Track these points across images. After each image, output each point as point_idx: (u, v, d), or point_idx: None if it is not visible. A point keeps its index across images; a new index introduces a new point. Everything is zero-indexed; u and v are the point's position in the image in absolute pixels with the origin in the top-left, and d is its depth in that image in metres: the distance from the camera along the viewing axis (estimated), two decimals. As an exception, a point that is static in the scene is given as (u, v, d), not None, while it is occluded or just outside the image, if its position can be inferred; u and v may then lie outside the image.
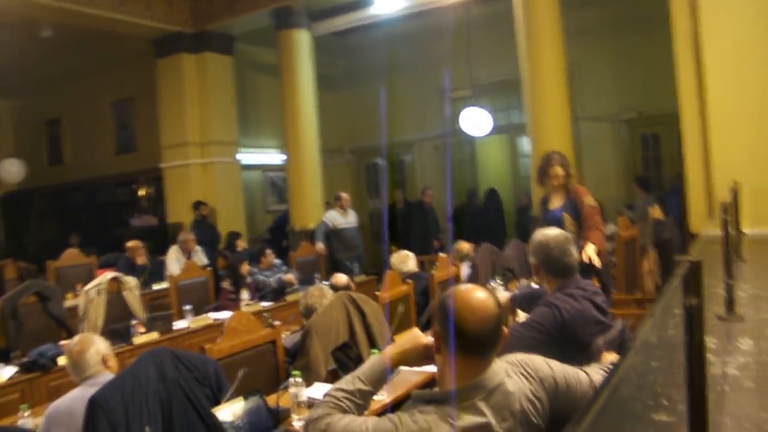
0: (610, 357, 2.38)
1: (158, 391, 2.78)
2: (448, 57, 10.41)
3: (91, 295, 5.44)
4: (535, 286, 4.56)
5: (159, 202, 11.49)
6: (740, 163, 5.53)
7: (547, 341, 2.61)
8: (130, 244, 7.69)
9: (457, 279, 5.90)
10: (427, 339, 1.88)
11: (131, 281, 5.89)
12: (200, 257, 7.99)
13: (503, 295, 3.96)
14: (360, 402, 1.85)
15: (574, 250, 2.89)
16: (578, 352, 2.56)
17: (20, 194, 13.95)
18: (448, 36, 10.41)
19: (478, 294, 1.77)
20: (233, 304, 6.44)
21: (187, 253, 7.84)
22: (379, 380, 1.90)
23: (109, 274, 5.82)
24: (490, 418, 1.69)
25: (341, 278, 5.17)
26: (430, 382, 3.18)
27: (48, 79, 12.84)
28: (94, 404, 2.57)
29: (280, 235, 10.19)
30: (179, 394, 2.83)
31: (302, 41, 9.74)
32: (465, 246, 6.67)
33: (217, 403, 2.78)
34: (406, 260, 5.75)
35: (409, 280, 5.23)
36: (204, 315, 5.96)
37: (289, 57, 9.70)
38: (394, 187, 12.22)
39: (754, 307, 2.92)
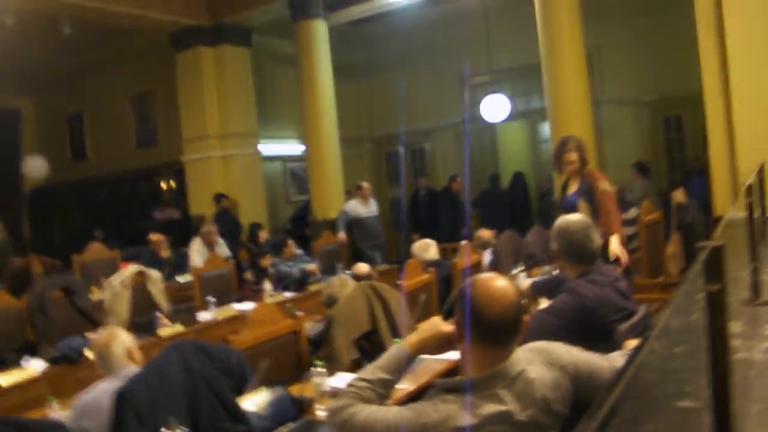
0: (633, 343, 2.36)
1: (183, 382, 2.81)
2: (466, 43, 10.37)
3: (116, 288, 5.50)
4: (557, 272, 4.54)
5: (181, 195, 11.56)
6: (765, 144, 5.45)
7: (569, 328, 2.59)
8: (154, 237, 7.76)
9: (478, 267, 5.89)
10: (448, 327, 1.88)
11: (155, 274, 5.94)
12: (223, 249, 8.03)
13: (525, 282, 3.94)
14: (382, 391, 1.86)
15: (596, 236, 2.87)
16: (601, 339, 2.54)
17: (45, 190, 14.12)
18: (465, 22, 10.35)
19: (498, 282, 1.77)
20: (256, 295, 6.48)
21: (210, 245, 7.89)
22: (400, 369, 1.90)
23: (133, 268, 5.88)
24: (512, 406, 1.69)
25: (363, 267, 5.19)
26: (453, 370, 3.18)
27: (69, 76, 12.96)
28: (120, 397, 2.60)
29: (301, 225, 10.23)
30: (203, 385, 2.86)
31: (319, 31, 9.72)
32: (486, 233, 6.65)
33: (241, 393, 2.81)
34: (427, 248, 5.74)
35: (431, 269, 5.22)
36: (227, 306, 6.01)
37: (307, 47, 9.69)
38: (417, 175, 12.22)
39: (780, 291, 2.88)
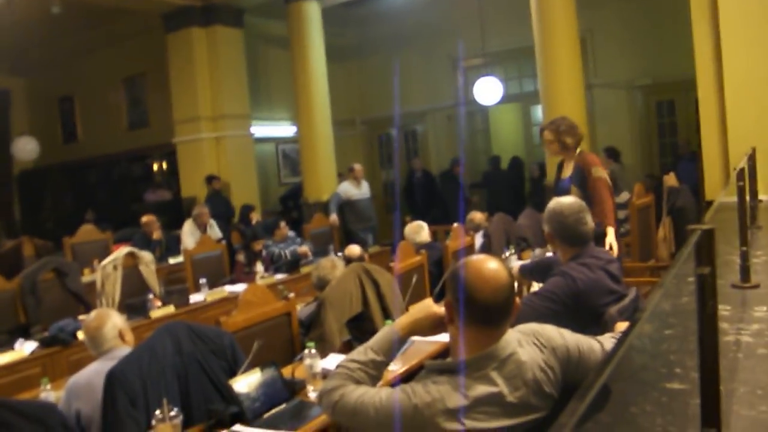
0: (624, 326, 2.38)
1: (175, 364, 2.82)
2: (460, 26, 10.32)
3: (107, 270, 5.49)
4: (549, 255, 4.55)
5: (173, 177, 11.52)
6: (756, 129, 5.46)
7: (560, 311, 2.61)
8: (145, 219, 7.74)
9: (470, 249, 5.91)
10: (439, 308, 1.89)
11: (147, 256, 5.94)
12: (215, 231, 8.03)
13: (513, 265, 3.96)
14: (373, 373, 1.87)
15: (589, 219, 2.88)
16: (592, 322, 2.56)
17: (35, 172, 14.03)
18: (459, 4, 10.30)
19: (490, 264, 1.77)
20: (248, 276, 6.48)
21: (202, 227, 7.88)
22: (391, 351, 1.91)
23: (124, 249, 5.87)
24: (503, 387, 1.70)
25: (355, 249, 5.19)
26: (444, 352, 3.20)
27: (59, 57, 12.84)
28: (112, 378, 2.61)
29: (291, 205, 10.22)
30: (195, 366, 2.87)
31: (312, 12, 9.67)
32: (478, 215, 6.66)
33: (233, 375, 2.82)
34: (419, 231, 5.75)
35: (423, 251, 5.23)
36: (219, 288, 6.01)
37: (299, 28, 9.64)
38: (409, 157, 12.23)
39: (769, 274, 2.91)
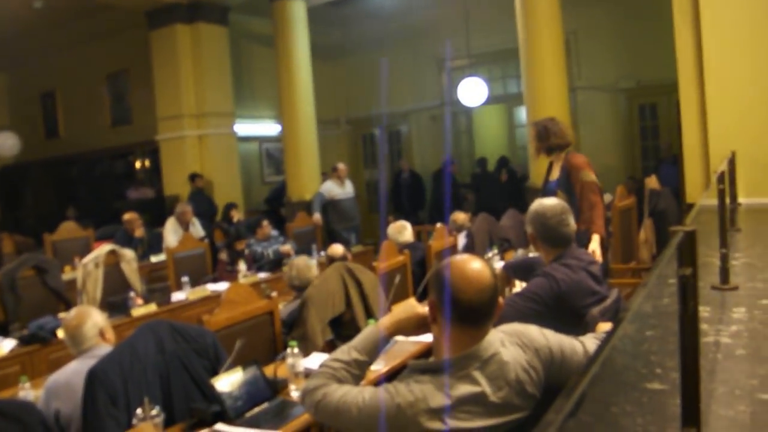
0: (606, 327, 2.39)
1: (157, 362, 2.80)
2: (445, 26, 10.36)
3: (88, 267, 5.45)
4: (532, 256, 4.56)
5: (156, 175, 11.45)
6: (737, 133, 5.52)
7: (543, 311, 2.62)
8: (127, 216, 7.68)
9: (453, 249, 5.92)
10: (423, 308, 1.89)
11: (129, 254, 5.90)
12: (197, 229, 7.98)
13: (497, 265, 3.97)
14: (356, 372, 1.86)
15: (571, 220, 2.89)
16: (574, 323, 2.58)
17: (16, 168, 13.90)
18: (444, 5, 10.34)
19: (473, 264, 1.78)
20: (230, 275, 6.46)
21: (185, 225, 7.84)
22: (374, 350, 1.91)
23: (106, 247, 5.82)
24: (485, 387, 1.70)
25: (338, 249, 5.18)
26: (427, 352, 3.21)
27: (42, 51, 12.73)
28: (92, 376, 2.59)
29: (276, 206, 10.20)
30: (177, 365, 2.85)
31: (297, 11, 9.65)
32: (461, 216, 6.68)
33: (215, 374, 2.80)
34: (402, 231, 5.75)
35: (406, 251, 5.24)
36: (201, 287, 5.99)
37: (284, 27, 9.62)
38: (395, 157, 12.25)
39: (748, 277, 2.94)
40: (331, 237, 8.45)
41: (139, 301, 5.29)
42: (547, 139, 4.54)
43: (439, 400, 1.67)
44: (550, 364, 1.84)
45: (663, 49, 7.19)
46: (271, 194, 10.89)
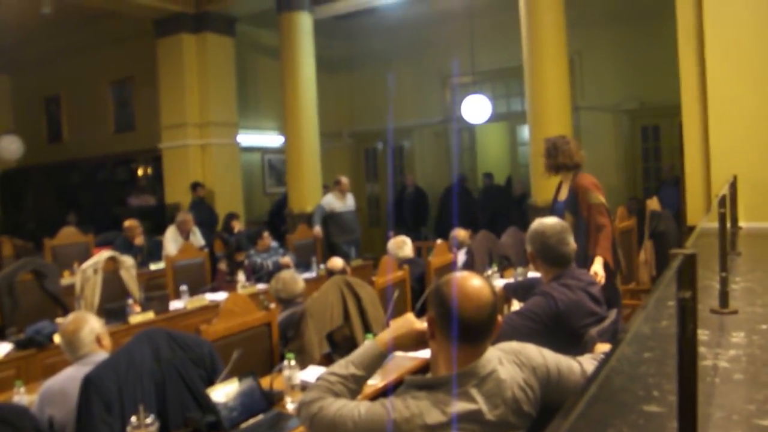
0: (604, 348, 2.39)
1: (153, 371, 2.79)
2: (450, 43, 10.41)
3: (87, 273, 5.44)
4: (531, 274, 4.55)
5: (157, 182, 11.47)
6: (739, 157, 5.54)
7: (541, 331, 2.62)
8: (128, 223, 7.69)
9: (453, 266, 5.91)
10: (421, 324, 1.89)
11: (128, 261, 5.89)
12: (197, 238, 7.98)
13: (498, 283, 3.96)
14: (353, 387, 1.86)
15: (571, 240, 2.89)
16: (572, 343, 2.57)
17: (18, 171, 13.93)
18: (450, 22, 10.39)
19: (473, 281, 1.78)
20: (229, 285, 6.45)
21: (185, 233, 7.84)
22: (372, 365, 1.90)
23: (105, 253, 5.82)
24: (482, 405, 1.70)
25: (337, 262, 5.18)
26: (423, 367, 3.20)
27: (48, 57, 12.80)
28: (88, 383, 2.58)
29: (278, 220, 10.19)
30: (174, 374, 2.84)
31: (303, 24, 9.69)
32: (462, 233, 6.67)
33: (212, 384, 2.80)
34: (402, 246, 5.75)
35: (406, 266, 5.24)
36: (200, 296, 5.98)
37: (290, 39, 9.66)
38: (398, 171, 12.27)
39: (747, 301, 2.94)
40: (331, 250, 8.44)
41: (137, 308, 5.28)
42: (555, 156, 4.49)
43: (435, 416, 1.66)
44: (546, 383, 1.84)
45: (667, 71, 7.22)
46: (273, 208, 10.87)
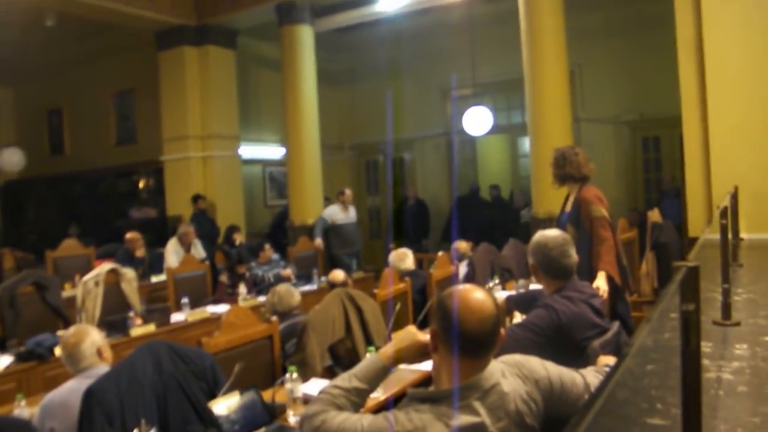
0: (606, 360, 2.38)
1: (154, 383, 2.78)
2: (451, 56, 10.44)
3: (89, 285, 5.44)
4: (533, 286, 4.54)
5: (159, 195, 11.48)
6: (740, 168, 5.55)
7: (543, 343, 2.61)
8: (129, 235, 7.69)
9: (455, 278, 5.91)
10: (424, 337, 1.89)
11: (129, 273, 5.89)
12: (198, 250, 7.99)
13: (500, 295, 3.96)
14: (356, 400, 1.85)
15: (573, 252, 2.89)
16: (574, 355, 2.57)
17: (20, 183, 13.95)
18: (450, 35, 10.42)
19: (476, 294, 1.78)
20: (231, 298, 6.44)
21: (187, 246, 7.84)
22: (375, 379, 1.90)
23: (107, 266, 5.81)
24: (485, 418, 1.70)
25: (339, 275, 5.18)
26: (426, 380, 3.19)
27: (50, 69, 12.85)
28: (90, 395, 2.57)
29: (279, 233, 10.19)
30: (175, 387, 2.84)
31: (305, 37, 9.73)
32: (463, 245, 6.67)
33: (213, 397, 2.79)
34: (404, 258, 5.75)
35: (407, 278, 5.23)
36: (201, 308, 5.97)
37: (292, 52, 9.70)
38: (399, 184, 12.27)
39: (749, 313, 2.93)
40: (332, 262, 8.43)
41: (138, 321, 5.27)
42: (563, 167, 4.46)
43: (438, 430, 1.66)
44: (549, 396, 1.83)
45: (667, 82, 7.24)
46: (274, 221, 10.86)
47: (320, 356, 3.60)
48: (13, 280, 5.38)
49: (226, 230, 9.18)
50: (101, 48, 11.76)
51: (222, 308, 5.90)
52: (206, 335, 3.54)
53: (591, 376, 1.96)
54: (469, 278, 5.93)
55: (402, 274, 5.35)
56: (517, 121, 10.87)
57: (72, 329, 3.11)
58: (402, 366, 3.13)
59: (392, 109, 11.35)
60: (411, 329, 1.97)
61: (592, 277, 3.98)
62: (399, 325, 4.15)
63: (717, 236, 3.08)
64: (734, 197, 4.29)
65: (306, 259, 8.14)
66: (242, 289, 6.48)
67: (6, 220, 13.97)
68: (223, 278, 6.89)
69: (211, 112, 10.40)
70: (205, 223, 9.41)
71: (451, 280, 5.73)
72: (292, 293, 4.31)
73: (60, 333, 4.66)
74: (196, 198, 9.77)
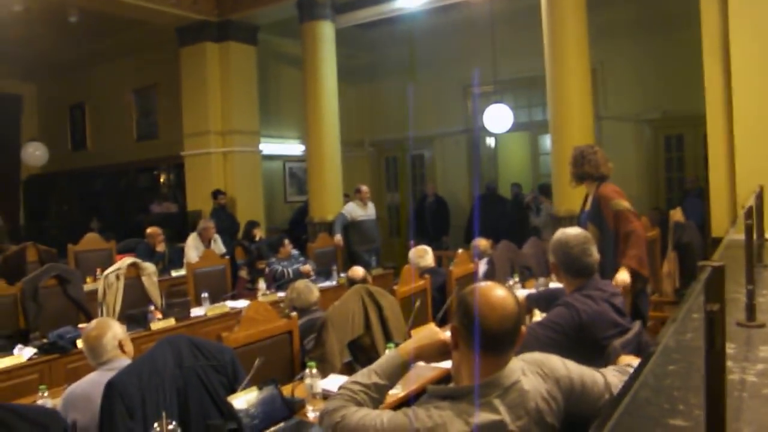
0: (627, 359, 2.36)
1: (175, 377, 2.80)
2: (471, 52, 10.40)
3: (110, 279, 5.49)
4: (553, 285, 4.52)
5: (179, 190, 11.56)
6: (765, 167, 5.47)
7: (563, 342, 2.60)
8: (150, 230, 7.76)
9: (474, 276, 5.90)
10: (445, 335, 1.88)
11: (150, 267, 5.94)
12: (219, 246, 8.02)
13: (520, 293, 3.94)
14: (375, 396, 1.86)
15: (594, 250, 2.87)
16: (595, 354, 2.55)
17: (43, 178, 14.11)
18: (471, 31, 10.38)
19: (497, 291, 1.77)
20: (250, 293, 6.47)
21: (207, 241, 7.89)
22: (395, 375, 1.90)
23: (128, 260, 5.87)
24: (505, 416, 1.69)
25: (358, 271, 5.18)
26: (445, 377, 3.18)
27: (72, 65, 12.98)
28: (111, 388, 2.59)
29: (299, 229, 10.22)
30: (195, 381, 2.85)
31: (326, 33, 9.73)
32: (483, 242, 6.65)
33: (233, 391, 2.80)
34: (424, 255, 5.74)
35: (427, 275, 5.22)
36: (221, 303, 6.01)
37: (312, 48, 9.70)
38: (418, 181, 12.26)
39: (774, 314, 2.89)
40: (352, 258, 8.44)
41: (159, 314, 5.32)
42: (581, 165, 4.43)
43: (458, 427, 1.65)
44: (570, 395, 1.82)
45: (690, 80, 7.16)
46: (294, 216, 10.89)
47: (339, 352, 3.60)
48: (36, 274, 5.44)
49: (246, 226, 9.21)
50: (123, 44, 11.85)
51: (241, 303, 5.93)
52: (226, 330, 3.56)
53: (612, 376, 1.94)
54: (489, 276, 5.91)
55: (422, 272, 5.35)
56: (538, 119, 10.80)
57: (94, 322, 3.14)
58: (421, 363, 3.13)
59: (413, 106, 11.34)
60: (432, 327, 1.98)
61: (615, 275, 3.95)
62: (419, 322, 4.15)
63: (741, 236, 3.04)
64: (759, 197, 4.23)
65: (325, 255, 8.15)
66: (261, 284, 6.51)
67: (29, 214, 14.12)
68: (243, 273, 6.92)
69: (232, 108, 10.44)
70: (224, 219, 9.45)
71: (471, 277, 5.72)
72: (311, 289, 4.32)
73: (82, 326, 4.71)
74: (216, 193, 9.82)
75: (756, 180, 5.04)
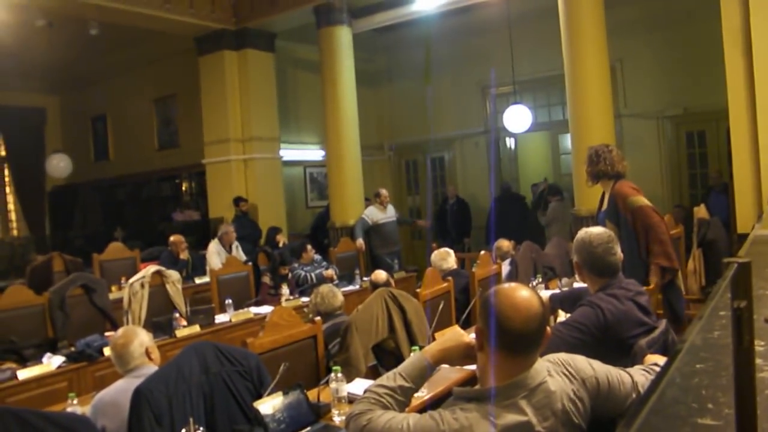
0: (653, 358, 2.34)
1: (201, 383, 2.83)
2: (489, 53, 10.38)
3: (135, 288, 5.55)
4: (576, 285, 4.49)
5: (201, 197, 11.63)
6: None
7: (589, 342, 2.58)
8: (173, 238, 7.82)
9: (497, 277, 5.88)
10: (470, 338, 1.88)
11: (174, 275, 5.99)
12: (239, 253, 8.06)
13: (543, 294, 3.92)
14: (401, 399, 1.86)
15: (618, 249, 2.84)
16: (621, 353, 2.53)
17: (67, 189, 14.28)
18: (488, 32, 10.36)
19: (522, 292, 1.77)
20: (273, 299, 6.50)
21: (228, 245, 7.93)
22: (420, 377, 1.90)
23: (152, 268, 5.92)
24: (531, 417, 1.68)
25: (381, 275, 5.19)
26: (470, 379, 3.18)
27: (94, 77, 13.13)
28: (139, 395, 2.62)
29: (321, 234, 10.25)
30: (222, 387, 2.88)
31: (343, 38, 9.76)
32: (505, 244, 6.63)
33: (259, 396, 2.82)
34: (446, 257, 5.73)
35: (449, 278, 5.22)
36: (245, 309, 6.04)
37: (330, 54, 9.73)
38: (438, 183, 12.24)
39: (803, 310, 2.85)
40: (374, 262, 8.45)
41: (183, 322, 5.36)
42: (596, 164, 4.40)
43: (484, 428, 1.65)
44: (596, 395, 1.81)
45: (711, 75, 7.09)
46: (315, 222, 10.91)
47: (364, 356, 3.61)
48: (63, 283, 5.52)
49: (269, 231, 9.25)
50: (143, 55, 11.97)
51: (265, 309, 5.96)
52: (250, 336, 3.58)
53: (638, 375, 1.93)
54: (512, 277, 5.89)
55: (444, 274, 5.34)
56: (557, 118, 10.75)
57: (121, 331, 3.18)
58: (446, 365, 3.13)
59: (432, 109, 11.34)
60: (457, 330, 1.97)
61: (637, 273, 3.91)
62: (442, 324, 4.14)
63: (767, 232, 3.01)
64: (785, 192, 4.18)
65: (347, 259, 8.17)
66: (285, 290, 6.54)
67: (54, 224, 14.30)
68: (266, 279, 6.95)
69: (252, 115, 10.49)
70: (246, 225, 9.50)
71: (494, 279, 5.70)
72: (335, 293, 4.33)
73: (108, 334, 4.76)
74: (238, 200, 9.87)
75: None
